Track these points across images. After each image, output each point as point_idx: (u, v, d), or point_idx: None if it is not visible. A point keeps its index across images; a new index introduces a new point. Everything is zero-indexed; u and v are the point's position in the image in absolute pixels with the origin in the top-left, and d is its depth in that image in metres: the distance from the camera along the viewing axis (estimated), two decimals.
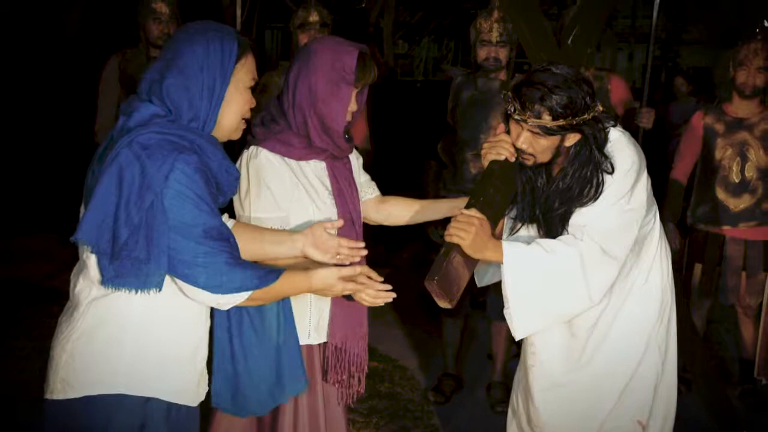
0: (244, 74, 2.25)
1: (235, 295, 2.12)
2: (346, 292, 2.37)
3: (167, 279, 2.10)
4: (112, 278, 2.07)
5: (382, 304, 2.48)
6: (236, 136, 2.34)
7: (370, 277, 2.45)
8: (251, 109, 2.33)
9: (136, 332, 2.14)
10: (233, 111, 2.26)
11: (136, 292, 2.08)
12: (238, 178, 2.30)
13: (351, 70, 2.55)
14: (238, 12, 4.71)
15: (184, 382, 2.23)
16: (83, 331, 2.15)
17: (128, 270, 2.05)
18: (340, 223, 2.54)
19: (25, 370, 4.61)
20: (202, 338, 2.28)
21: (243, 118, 2.32)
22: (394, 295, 2.44)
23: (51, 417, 2.18)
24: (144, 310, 2.14)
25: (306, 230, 2.50)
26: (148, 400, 2.16)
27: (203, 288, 2.08)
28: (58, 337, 2.19)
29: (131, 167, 2.04)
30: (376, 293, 2.42)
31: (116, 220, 2.04)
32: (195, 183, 2.06)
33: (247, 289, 2.13)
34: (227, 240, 2.12)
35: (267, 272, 2.16)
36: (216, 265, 2.07)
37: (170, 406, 2.20)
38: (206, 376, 2.34)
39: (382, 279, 2.45)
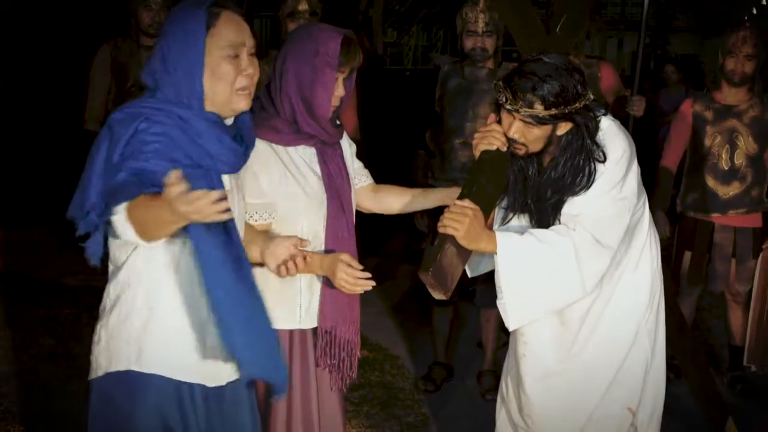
0: (220, 40, 2.15)
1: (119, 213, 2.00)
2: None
3: (167, 253, 2.12)
4: (87, 253, 2.10)
5: (361, 292, 2.50)
6: (239, 107, 2.24)
7: (350, 265, 2.46)
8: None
9: (142, 308, 2.16)
10: (221, 82, 2.17)
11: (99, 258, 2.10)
12: (241, 153, 2.24)
13: (335, 55, 2.54)
14: None
15: (193, 360, 2.21)
16: (106, 311, 2.21)
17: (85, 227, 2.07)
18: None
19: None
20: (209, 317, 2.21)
21: (239, 89, 2.21)
22: (373, 283, 2.46)
23: (92, 395, 2.23)
24: (149, 286, 2.16)
25: (275, 240, 2.48)
26: (179, 383, 2.19)
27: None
28: (98, 323, 2.26)
29: (105, 140, 2.07)
30: (355, 280, 2.45)
31: (86, 192, 2.05)
32: (149, 145, 2.03)
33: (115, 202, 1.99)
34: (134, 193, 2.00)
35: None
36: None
37: (206, 390, 2.23)
38: (224, 355, 2.22)
39: (362, 267, 2.47)
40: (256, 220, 2.57)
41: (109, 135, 2.07)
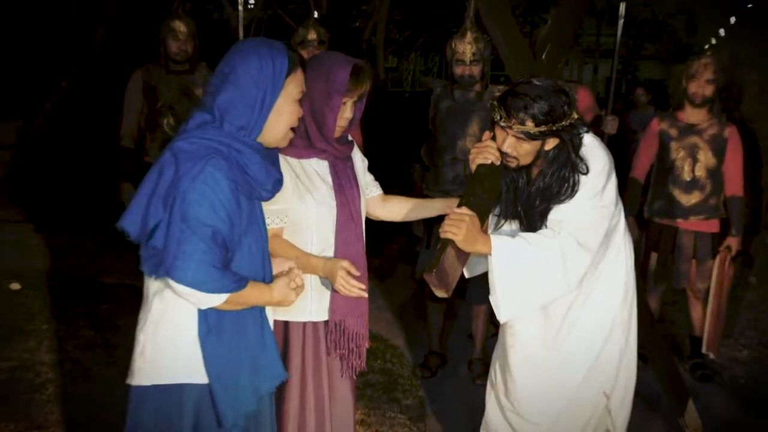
0: (293, 87, 2.21)
1: (215, 295, 2.05)
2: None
3: None
4: (144, 264, 2.08)
5: (355, 295, 2.54)
6: (283, 143, 2.30)
7: (349, 272, 2.49)
8: None
9: (190, 322, 2.12)
10: (283, 121, 2.22)
11: (155, 278, 2.08)
12: (279, 180, 2.25)
13: (342, 84, 2.54)
14: (241, 32, 4.69)
15: None
16: (150, 323, 2.15)
17: (150, 256, 2.06)
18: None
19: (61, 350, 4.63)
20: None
21: (292, 127, 2.28)
22: (365, 294, 2.55)
23: (133, 399, 2.18)
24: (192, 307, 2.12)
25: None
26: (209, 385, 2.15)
27: (189, 284, 2.01)
28: (137, 327, 2.19)
29: (169, 167, 2.05)
30: (350, 286, 2.50)
31: (147, 212, 2.05)
32: (218, 187, 2.03)
33: (226, 291, 2.06)
34: (225, 247, 2.08)
35: (241, 278, 2.11)
36: (206, 264, 2.01)
37: None
38: None
39: (359, 274, 2.52)
40: (269, 225, 2.57)
41: (174, 162, 2.05)
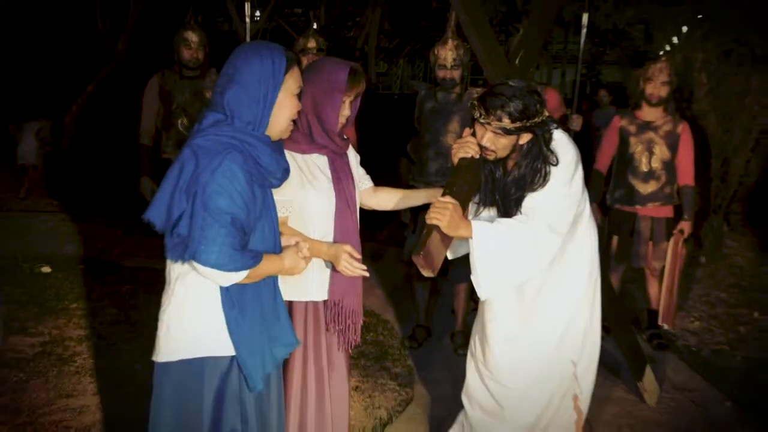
0: (292, 83, 2.19)
1: (237, 273, 2.06)
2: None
3: None
4: (169, 251, 2.06)
5: (358, 276, 2.52)
6: (286, 135, 2.28)
7: (351, 255, 2.47)
8: None
9: (209, 303, 2.11)
10: (285, 114, 2.20)
11: (182, 262, 2.06)
12: (287, 169, 2.23)
13: (342, 83, 2.52)
14: (248, 40, 4.65)
15: None
16: (173, 304, 2.13)
17: (175, 243, 2.04)
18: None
19: (84, 327, 4.60)
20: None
21: (293, 119, 2.26)
22: (367, 274, 2.52)
23: (157, 374, 2.16)
24: (213, 290, 2.10)
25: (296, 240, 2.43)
26: (232, 358, 2.14)
27: (213, 265, 2.00)
28: (160, 308, 2.17)
29: (189, 163, 2.03)
30: (353, 268, 2.48)
31: (171, 203, 2.03)
32: (235, 179, 2.02)
33: (246, 268, 2.06)
34: (243, 231, 2.08)
35: (256, 254, 2.11)
36: (227, 247, 2.01)
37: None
38: None
39: (360, 257, 2.50)
40: None
41: (194, 158, 2.03)
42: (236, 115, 2.10)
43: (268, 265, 2.16)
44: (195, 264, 2.02)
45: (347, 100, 2.59)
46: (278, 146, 2.23)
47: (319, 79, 2.52)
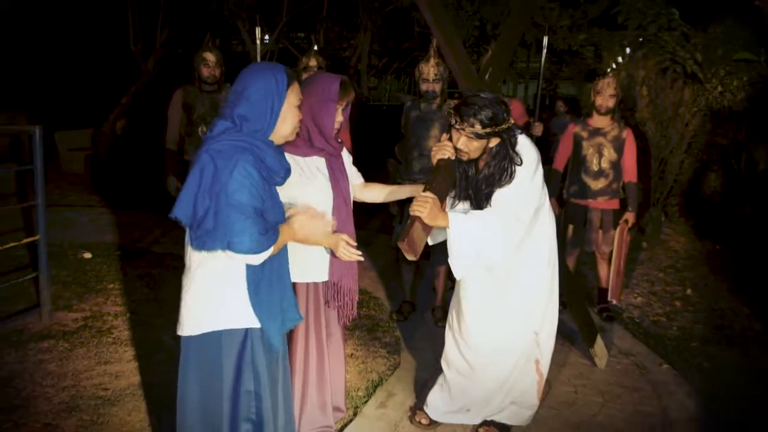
0: (293, 96, 2.18)
1: (265, 252, 2.06)
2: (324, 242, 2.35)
3: None
4: (194, 243, 2.05)
5: (354, 260, 2.48)
6: (291, 138, 2.26)
7: (348, 243, 2.45)
8: None
9: (224, 284, 2.09)
10: (287, 123, 2.19)
11: (208, 252, 2.05)
12: (288, 169, 2.22)
13: (335, 93, 2.52)
14: (258, 61, 4.61)
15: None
16: (194, 286, 2.11)
17: (202, 236, 2.02)
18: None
19: (120, 304, 4.57)
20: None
21: (296, 128, 2.25)
22: (361, 258, 2.48)
23: (183, 347, 2.16)
24: (229, 267, 2.08)
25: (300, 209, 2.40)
26: (246, 330, 2.13)
27: (247, 252, 2.01)
28: (182, 289, 2.15)
29: (208, 166, 2.01)
30: (350, 254, 2.45)
31: (195, 202, 2.01)
32: (251, 176, 2.02)
33: (271, 245, 2.07)
34: (263, 218, 2.07)
35: (274, 230, 2.10)
36: (255, 234, 2.01)
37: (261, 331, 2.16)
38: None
39: (356, 244, 2.47)
40: None
41: (211, 161, 2.01)
42: (245, 126, 2.09)
43: (283, 235, 2.15)
44: (230, 253, 2.02)
45: (339, 108, 2.58)
46: (280, 150, 2.22)
47: (315, 91, 2.51)
